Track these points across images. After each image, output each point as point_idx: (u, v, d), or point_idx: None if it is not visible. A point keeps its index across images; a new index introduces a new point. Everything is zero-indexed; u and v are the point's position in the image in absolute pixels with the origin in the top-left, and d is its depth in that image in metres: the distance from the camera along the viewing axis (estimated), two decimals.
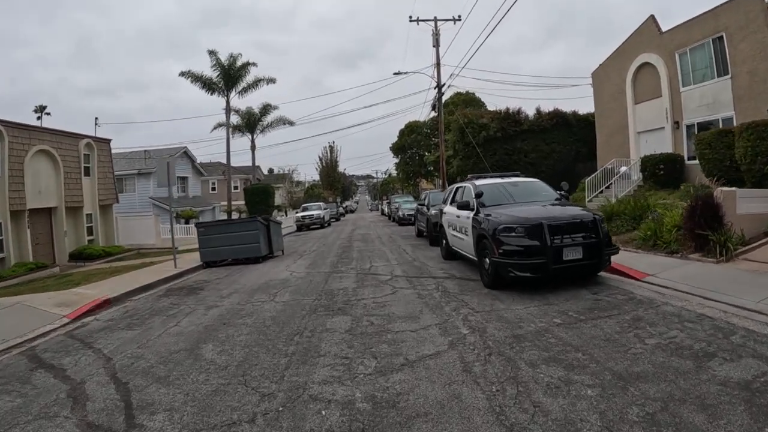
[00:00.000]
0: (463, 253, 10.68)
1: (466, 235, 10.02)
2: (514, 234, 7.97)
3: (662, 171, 19.37)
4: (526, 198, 10.06)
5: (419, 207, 19.48)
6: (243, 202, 38.94)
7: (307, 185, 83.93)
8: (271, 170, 73.91)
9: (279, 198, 63.93)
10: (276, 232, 16.84)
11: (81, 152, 24.38)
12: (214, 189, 58.31)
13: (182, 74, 33.94)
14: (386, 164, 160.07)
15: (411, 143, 52.84)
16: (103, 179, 26.31)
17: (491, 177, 11.63)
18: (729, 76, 17.58)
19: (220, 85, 34.64)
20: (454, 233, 11.19)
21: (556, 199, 9.97)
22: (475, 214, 9.50)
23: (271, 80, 35.90)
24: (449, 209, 11.99)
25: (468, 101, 45.01)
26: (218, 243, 15.28)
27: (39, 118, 57.27)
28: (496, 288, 8.20)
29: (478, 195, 9.79)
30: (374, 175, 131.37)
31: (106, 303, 10.20)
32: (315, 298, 8.60)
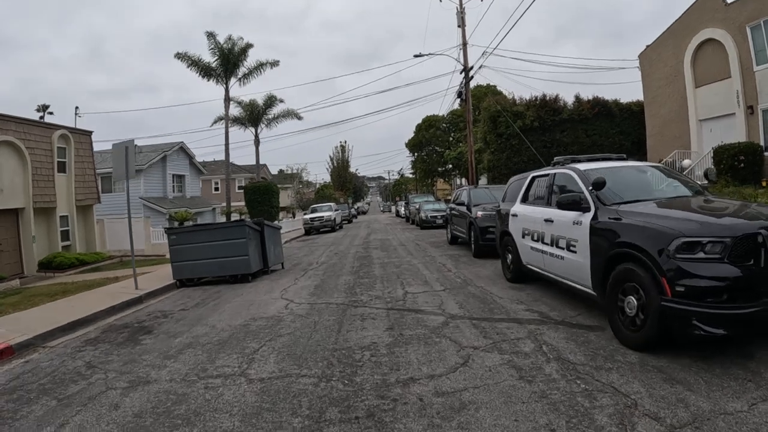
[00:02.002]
0: (558, 277, 6.97)
1: (572, 252, 6.26)
2: (703, 254, 4.15)
3: (742, 163, 16.89)
4: (658, 192, 6.55)
5: (455, 208, 15.58)
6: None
7: (318, 186, 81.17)
8: (282, 171, 70.38)
9: (287, 199, 60.82)
10: (273, 240, 13.03)
11: (54, 145, 20.96)
12: (217, 189, 55.27)
13: (177, 56, 30.53)
14: (399, 164, 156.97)
15: (429, 139, 48.95)
16: (81, 176, 22.97)
17: (590, 161, 7.71)
18: None
19: (218, 71, 31.18)
20: (539, 246, 7.47)
21: (696, 192, 6.49)
22: (593, 219, 5.64)
23: (275, 63, 32.69)
24: (524, 210, 8.28)
25: (486, 95, 41.01)
26: (195, 255, 11.55)
27: (42, 117, 54.03)
28: (653, 350, 4.54)
29: (598, 185, 5.90)
30: (385, 177, 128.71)
31: (7, 353, 6.74)
32: (320, 376, 4.65)
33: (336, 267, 12.78)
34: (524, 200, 8.57)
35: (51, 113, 54.12)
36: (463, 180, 51.87)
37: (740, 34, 18.28)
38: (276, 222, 31.12)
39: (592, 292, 5.85)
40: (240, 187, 50.14)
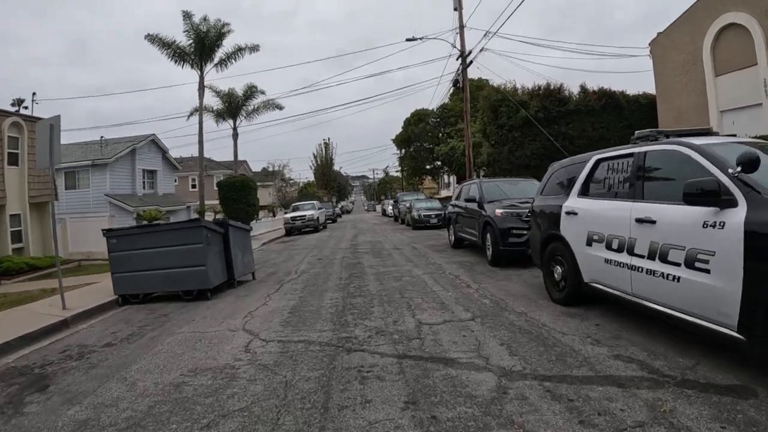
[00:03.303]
0: (663, 307, 4.85)
1: (699, 270, 4.34)
2: None
3: None
4: None
5: (461, 205, 13.13)
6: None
7: (301, 184, 78.79)
8: (265, 169, 67.42)
9: (269, 197, 58.07)
10: (241, 245, 10.51)
11: (5, 134, 18.37)
12: (194, 186, 52.24)
13: (148, 38, 27.75)
14: (384, 162, 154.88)
15: (418, 134, 46.47)
16: (36, 170, 20.23)
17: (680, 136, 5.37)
18: None
19: (193, 56, 28.53)
20: (623, 259, 5.31)
21: None
22: (749, 219, 3.44)
23: (254, 48, 30.18)
24: (590, 206, 6.07)
25: (481, 89, 38.71)
26: (141, 264, 9.07)
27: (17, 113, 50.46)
28: None
29: (750, 164, 3.71)
30: (370, 176, 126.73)
31: None
32: None
33: (319, 279, 10.26)
34: (585, 192, 6.16)
35: (26, 107, 50.74)
36: (453, 177, 49.60)
37: (767, 18, 16.48)
38: (255, 221, 28.59)
39: (737, 335, 3.59)
40: (218, 184, 47.38)
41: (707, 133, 5.56)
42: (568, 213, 6.29)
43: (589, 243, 5.82)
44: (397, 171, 72.66)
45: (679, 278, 4.33)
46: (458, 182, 46.69)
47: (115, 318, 8.09)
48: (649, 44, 22.41)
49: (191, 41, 28.28)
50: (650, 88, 23.94)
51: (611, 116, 23.55)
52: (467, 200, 12.33)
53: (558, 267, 6.59)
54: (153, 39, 27.93)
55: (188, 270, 8.87)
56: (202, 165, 31.19)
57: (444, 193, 52.35)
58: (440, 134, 44.33)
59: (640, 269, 4.93)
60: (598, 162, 6.12)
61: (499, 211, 10.18)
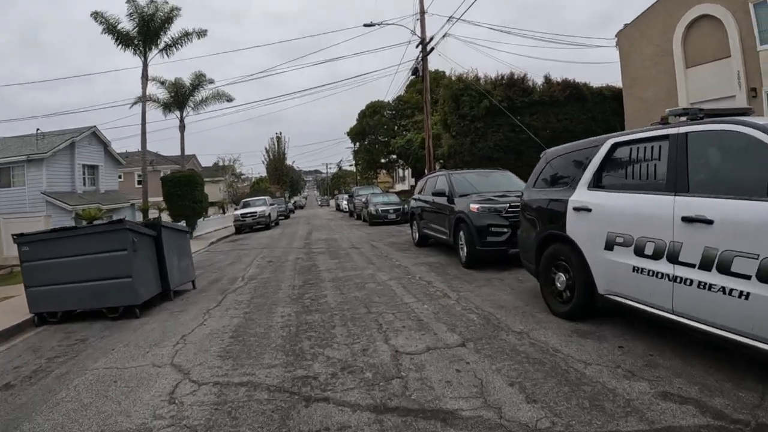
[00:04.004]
0: (723, 330, 3.78)
1: None
2: None
3: None
4: None
5: (426, 200, 11.87)
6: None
7: (253, 179, 76.53)
8: (216, 164, 64.59)
9: (220, 193, 55.69)
10: (178, 250, 8.96)
11: None
12: (140, 182, 49.26)
13: (93, 15, 25.37)
14: (337, 156, 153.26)
15: (373, 127, 45.06)
16: None
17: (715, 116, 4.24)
18: None
19: (136, 41, 26.27)
20: (663, 268, 4.19)
21: None
22: None
23: (202, 33, 28.10)
24: (610, 200, 4.95)
25: (440, 80, 37.74)
26: (59, 275, 7.52)
27: None
28: None
29: None
30: (323, 170, 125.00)
31: None
32: None
33: (269, 287, 8.82)
34: (598, 184, 4.97)
35: None
36: (408, 171, 48.52)
37: (742, 11, 16.37)
38: (202, 219, 26.65)
39: None
40: (161, 180, 44.80)
41: (745, 113, 4.42)
42: (577, 209, 5.08)
43: (609, 247, 4.63)
44: (351, 165, 71.20)
45: (748, 294, 3.33)
46: (414, 176, 45.72)
47: (24, 345, 6.50)
48: (616, 35, 22.01)
49: (135, 25, 25.99)
50: (613, 81, 23.60)
51: (575, 108, 22.97)
52: (435, 194, 11.08)
53: (561, 274, 5.39)
54: (98, 17, 25.54)
55: (111, 282, 7.31)
56: (145, 158, 28.91)
57: (399, 187, 51.29)
58: (396, 127, 43.14)
59: (687, 281, 3.81)
60: (614, 146, 4.93)
61: (474, 207, 8.95)
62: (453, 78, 23.26)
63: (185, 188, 24.47)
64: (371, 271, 9.55)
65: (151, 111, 32.71)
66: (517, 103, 21.58)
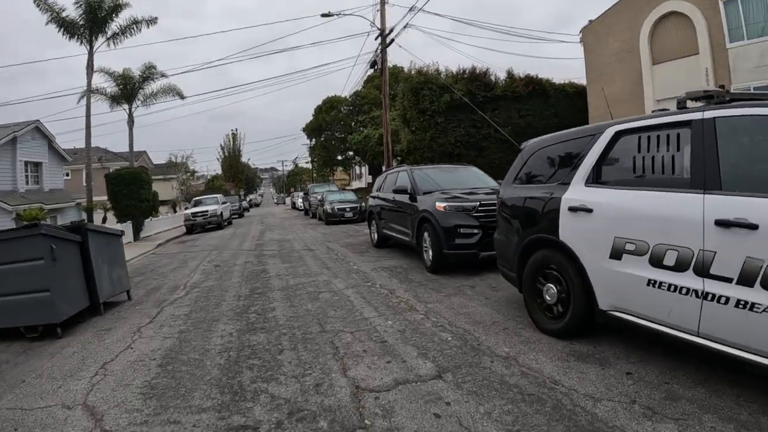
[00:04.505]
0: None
1: None
2: None
3: None
4: None
5: (386, 198, 10.96)
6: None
7: (209, 177, 74.17)
8: (170, 160, 61.71)
9: (172, 191, 53.37)
10: (108, 257, 7.82)
11: None
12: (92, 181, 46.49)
13: (37, 2, 23.44)
14: (293, 153, 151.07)
15: (329, 122, 43.90)
16: None
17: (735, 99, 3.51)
18: None
19: (82, 29, 24.46)
20: (688, 283, 3.37)
21: None
22: None
23: (152, 21, 26.29)
24: (617, 199, 4.12)
25: (397, 76, 36.96)
26: None
27: None
28: None
29: None
30: (279, 168, 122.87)
31: None
32: None
33: (212, 297, 7.75)
34: (597, 179, 4.17)
35: None
36: (365, 168, 47.58)
37: (712, 9, 16.46)
38: (150, 219, 25.00)
39: None
40: (105, 177, 42.48)
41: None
42: (573, 209, 4.25)
43: (616, 255, 3.82)
44: (307, 162, 69.76)
45: None
46: (371, 173, 44.77)
47: None
48: (581, 31, 21.90)
49: (82, 12, 24.15)
50: (575, 78, 23.40)
51: (538, 104, 22.60)
52: (396, 191, 10.16)
53: (551, 286, 4.56)
54: (40, 3, 23.60)
55: (26, 297, 6.15)
56: (89, 154, 27.00)
57: (356, 185, 50.38)
58: (353, 123, 42.14)
59: (721, 299, 3.03)
60: (618, 135, 4.12)
61: (440, 205, 8.08)
62: (413, 72, 22.43)
63: (131, 186, 22.92)
64: (326, 277, 8.58)
65: (99, 104, 30.77)
66: (479, 98, 20.95)
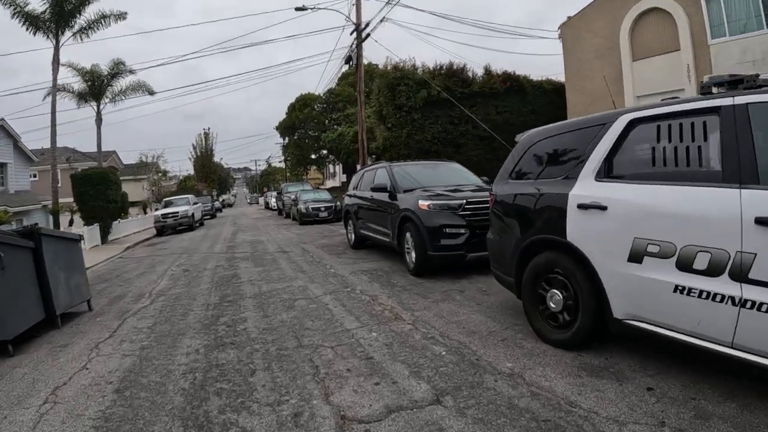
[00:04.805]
0: None
1: None
2: None
3: None
4: None
5: (364, 196, 10.43)
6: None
7: (181, 177, 72.57)
8: (142, 161, 59.74)
9: (144, 192, 51.86)
10: (65, 264, 7.17)
11: None
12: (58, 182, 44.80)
13: None
14: (267, 152, 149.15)
15: (303, 120, 43.13)
16: None
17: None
18: None
19: (48, 22, 23.39)
20: (727, 290, 2.95)
21: None
22: None
23: (121, 16, 25.38)
24: (637, 195, 3.61)
25: (372, 73, 36.40)
26: None
27: None
28: None
29: None
30: (252, 168, 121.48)
31: None
32: None
33: (178, 307, 7.14)
34: (609, 173, 3.74)
35: None
36: (339, 167, 46.95)
37: (694, 6, 16.37)
38: (119, 221, 23.99)
39: None
40: (71, 178, 41.02)
41: None
42: (584, 207, 3.79)
43: (636, 258, 3.38)
44: (280, 161, 68.84)
45: None
46: (345, 172, 44.10)
47: None
48: (560, 27, 21.58)
49: (48, 5, 23.05)
50: (553, 74, 23.28)
51: (515, 101, 22.36)
52: (374, 189, 9.64)
53: (556, 292, 4.10)
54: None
55: None
56: (54, 154, 25.79)
57: (329, 184, 49.77)
58: (327, 121, 41.47)
59: (762, 307, 2.59)
60: (633, 124, 3.68)
61: (424, 204, 7.58)
62: (389, 67, 21.93)
63: (98, 187, 21.88)
64: (302, 282, 8.01)
65: (67, 102, 29.66)
66: (456, 94, 20.58)
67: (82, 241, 8.32)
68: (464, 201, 7.35)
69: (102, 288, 9.46)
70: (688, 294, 3.07)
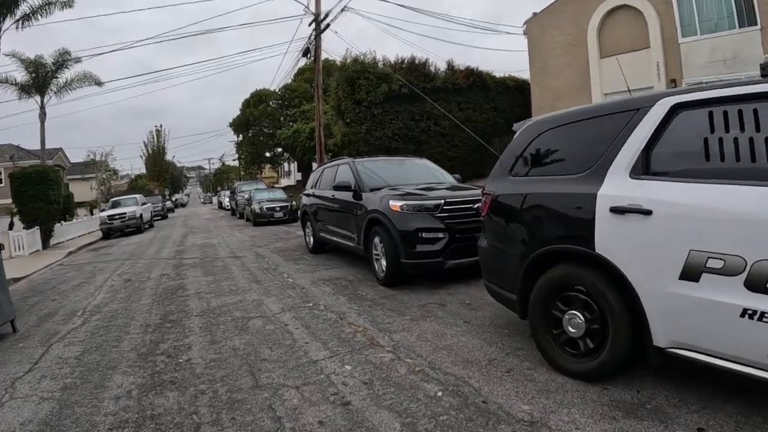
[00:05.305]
0: None
1: None
2: None
3: None
4: None
5: (330, 196, 9.43)
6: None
7: (133, 176, 71.78)
8: (93, 160, 56.51)
9: (92, 191, 49.18)
10: None
11: None
12: None
13: None
14: (220, 150, 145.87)
15: (258, 117, 41.64)
16: None
17: None
18: (759, 26, 14.53)
19: None
20: None
21: None
22: None
23: (68, 3, 23.90)
24: (698, 196, 2.74)
25: (329, 70, 35.29)
26: None
27: None
28: None
29: None
30: (206, 166, 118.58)
31: None
32: None
33: (113, 329, 6.08)
34: (647, 169, 2.97)
35: None
36: (294, 165, 45.68)
37: (664, 3, 16.57)
38: (61, 224, 22.19)
39: None
40: (9, 176, 38.42)
41: None
42: (619, 210, 3.02)
43: (691, 275, 2.65)
44: (234, 160, 66.84)
45: None
46: (300, 170, 42.84)
47: None
48: (525, 23, 21.48)
49: None
50: (516, 71, 23.08)
51: (478, 97, 21.97)
52: (336, 188, 8.72)
53: (577, 314, 3.33)
54: None
55: None
56: None
57: (284, 182, 48.50)
58: (282, 118, 40.18)
59: None
60: (676, 109, 2.92)
61: (395, 204, 6.71)
62: (348, 60, 21.04)
63: (38, 187, 19.97)
64: (256, 294, 7.03)
65: (10, 95, 27.72)
66: (419, 89, 19.88)
67: (1, 251, 7.12)
68: (442, 201, 6.51)
69: (34, 302, 8.31)
70: (760, 319, 2.35)
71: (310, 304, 6.18)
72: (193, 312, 6.34)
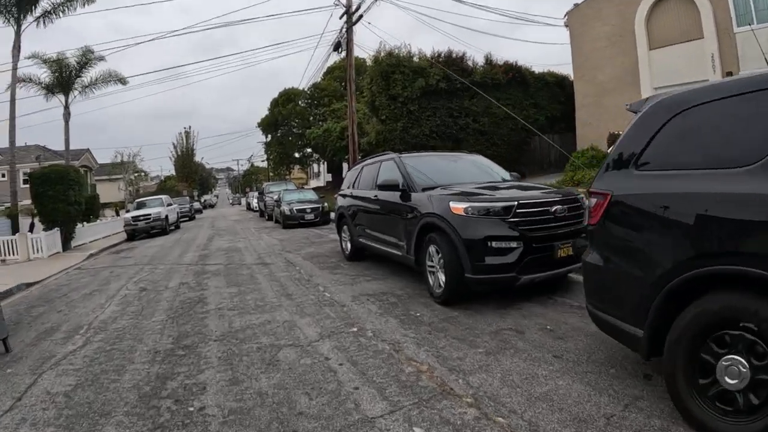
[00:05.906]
0: None
1: None
2: None
3: None
4: None
5: (373, 197, 8.24)
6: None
7: (162, 177, 71.96)
8: (122, 161, 56.56)
9: (120, 192, 49.26)
10: None
11: None
12: (25, 181, 42.08)
13: None
14: (249, 151, 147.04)
15: (286, 116, 40.93)
16: None
17: None
18: None
19: (7, 5, 21.40)
20: None
21: None
22: None
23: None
24: None
25: (359, 68, 34.35)
26: None
27: None
28: None
29: None
30: (234, 168, 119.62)
31: None
32: None
33: (116, 355, 5.07)
34: None
35: None
36: (323, 166, 44.86)
37: None
38: (82, 225, 21.60)
39: None
40: (28, 176, 38.50)
41: None
42: None
43: None
44: (263, 160, 66.61)
45: None
46: (330, 171, 41.96)
47: None
48: (566, 14, 20.53)
49: None
50: (554, 66, 22.01)
51: (518, 93, 20.85)
52: (381, 187, 7.59)
53: (738, 359, 2.33)
54: None
55: None
56: (13, 150, 23.53)
57: (313, 184, 47.77)
58: (311, 117, 39.39)
59: None
60: None
61: (458, 207, 5.53)
62: (382, 54, 20.00)
63: (57, 187, 19.27)
64: (287, 314, 5.93)
65: (37, 97, 27.70)
66: (456, 84, 18.74)
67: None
68: (515, 203, 5.32)
69: (38, 314, 7.45)
70: None
71: (355, 329, 5.06)
72: (212, 335, 5.27)
